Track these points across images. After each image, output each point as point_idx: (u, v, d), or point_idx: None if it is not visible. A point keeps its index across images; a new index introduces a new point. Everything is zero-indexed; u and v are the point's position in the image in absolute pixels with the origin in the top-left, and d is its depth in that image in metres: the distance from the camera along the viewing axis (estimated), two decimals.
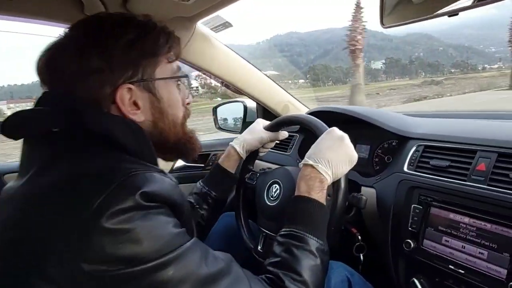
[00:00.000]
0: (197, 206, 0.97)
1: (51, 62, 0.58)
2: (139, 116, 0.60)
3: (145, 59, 0.60)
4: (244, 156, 1.02)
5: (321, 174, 0.72)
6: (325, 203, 0.71)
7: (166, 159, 0.72)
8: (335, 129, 0.79)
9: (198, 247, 0.53)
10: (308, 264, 0.62)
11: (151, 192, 0.49)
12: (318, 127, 0.84)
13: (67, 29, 0.60)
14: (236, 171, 1.04)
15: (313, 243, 0.65)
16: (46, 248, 0.46)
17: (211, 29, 1.12)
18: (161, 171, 0.57)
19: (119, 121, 0.57)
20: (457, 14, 0.63)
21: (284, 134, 1.06)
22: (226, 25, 1.08)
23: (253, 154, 1.06)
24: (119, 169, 0.51)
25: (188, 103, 0.72)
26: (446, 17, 0.70)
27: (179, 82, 0.68)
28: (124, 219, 0.45)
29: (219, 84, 1.38)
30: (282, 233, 0.68)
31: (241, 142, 1.02)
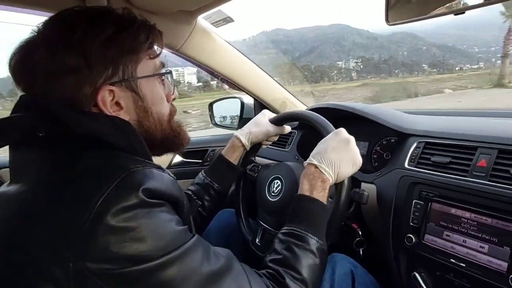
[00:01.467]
0: (195, 198, 0.96)
1: (24, 61, 0.55)
2: (123, 116, 0.59)
3: (125, 56, 0.57)
4: (248, 148, 1.02)
5: (324, 174, 0.73)
6: (326, 203, 0.72)
7: (153, 154, 0.71)
8: (342, 131, 0.80)
9: (200, 245, 0.53)
10: (307, 263, 0.64)
11: (153, 188, 0.49)
12: (325, 127, 0.84)
13: (40, 25, 0.56)
14: (239, 163, 1.04)
15: (314, 242, 0.66)
16: (48, 249, 0.45)
17: (212, 24, 1.11)
18: (159, 167, 0.56)
19: (104, 120, 0.55)
20: (463, 13, 0.64)
21: (287, 128, 1.06)
22: (227, 20, 1.08)
23: (256, 146, 1.06)
24: (117, 166, 0.50)
25: (174, 99, 0.71)
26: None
27: (163, 78, 0.67)
28: (129, 216, 0.45)
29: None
30: (284, 231, 0.69)
31: (247, 134, 1.01)
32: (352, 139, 0.78)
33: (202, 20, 1.12)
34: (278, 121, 1.01)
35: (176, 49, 1.09)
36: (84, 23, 0.54)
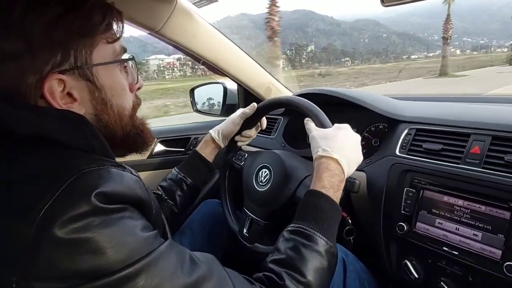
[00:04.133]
0: (166, 197, 0.94)
1: None
2: (77, 109, 0.52)
3: (77, 39, 0.50)
4: (221, 143, 1.01)
5: (343, 173, 0.69)
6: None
7: (115, 155, 0.64)
8: (349, 127, 0.76)
9: (173, 251, 0.47)
10: (314, 266, 0.57)
11: (109, 191, 0.43)
12: (321, 119, 0.79)
13: None
14: (215, 160, 1.03)
15: (323, 243, 0.60)
16: None
17: (194, 3, 1.04)
18: (119, 165, 0.49)
19: (52, 115, 0.48)
20: None
21: (264, 123, 1.04)
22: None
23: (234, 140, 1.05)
24: (66, 167, 0.43)
25: (138, 89, 0.64)
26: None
27: (125, 65, 0.60)
28: (80, 227, 0.39)
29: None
30: (290, 229, 0.63)
31: (217, 129, 1.02)
32: (359, 137, 0.76)
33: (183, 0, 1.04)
34: (267, 107, 0.97)
35: (156, 30, 1.01)
36: (24, 1, 0.46)
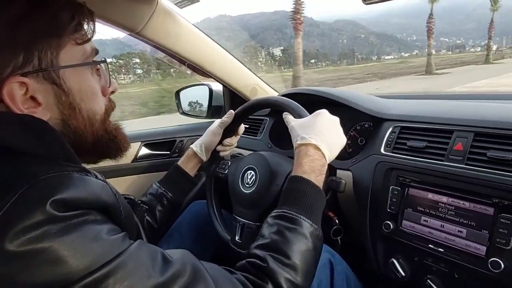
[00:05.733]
0: (142, 203, 0.91)
1: None
2: (41, 114, 0.49)
3: (42, 40, 0.47)
4: (204, 156, 0.99)
5: (324, 157, 0.68)
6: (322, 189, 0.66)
7: (86, 161, 0.61)
8: (326, 112, 0.75)
9: (144, 251, 0.45)
10: (299, 248, 0.56)
11: (69, 198, 0.40)
12: (297, 110, 0.80)
13: None
14: (196, 174, 1.01)
15: (307, 226, 0.59)
16: None
17: (176, 4, 1.02)
18: (83, 170, 0.47)
19: (7, 121, 0.45)
20: None
21: (241, 129, 1.03)
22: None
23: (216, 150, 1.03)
24: (20, 175, 0.41)
25: (112, 92, 0.61)
26: (374, 4, 0.69)
27: (98, 68, 0.57)
28: (35, 237, 0.36)
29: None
30: (273, 214, 0.62)
31: (198, 143, 1.00)
32: (337, 119, 0.75)
33: (165, 0, 1.03)
34: (244, 112, 0.96)
35: (136, 32, 1.00)
36: None
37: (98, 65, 0.57)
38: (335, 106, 1.04)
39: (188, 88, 1.60)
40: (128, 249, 0.43)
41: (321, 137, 0.69)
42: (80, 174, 0.46)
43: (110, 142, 0.61)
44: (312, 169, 0.66)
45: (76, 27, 0.51)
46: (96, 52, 0.56)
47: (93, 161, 0.62)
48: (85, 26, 0.53)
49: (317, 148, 0.68)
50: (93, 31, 0.55)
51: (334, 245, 0.91)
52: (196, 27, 1.16)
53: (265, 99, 0.92)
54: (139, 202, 0.89)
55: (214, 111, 1.50)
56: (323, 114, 0.74)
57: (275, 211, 0.63)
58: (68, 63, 0.51)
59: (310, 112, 0.79)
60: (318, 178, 0.66)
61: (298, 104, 0.82)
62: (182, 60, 1.22)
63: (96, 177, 0.49)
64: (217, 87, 1.48)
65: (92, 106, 0.55)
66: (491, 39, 41.22)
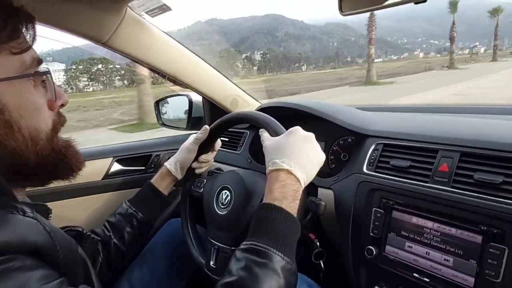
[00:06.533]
0: (111, 236, 0.84)
1: None
2: None
3: None
4: (178, 174, 0.93)
5: (298, 181, 0.62)
6: (296, 216, 0.60)
7: (32, 185, 0.55)
8: (299, 129, 0.69)
9: None
10: (269, 286, 0.51)
11: None
12: (273, 126, 0.75)
13: None
14: (172, 190, 0.96)
15: (278, 260, 0.53)
16: None
17: (147, 12, 0.96)
18: (9, 206, 0.41)
19: None
20: (425, 1, 0.56)
21: (218, 144, 0.97)
22: (164, 8, 0.94)
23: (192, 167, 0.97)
24: None
25: (62, 105, 0.55)
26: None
27: (44, 79, 0.51)
28: None
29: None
30: (242, 247, 0.56)
31: (172, 161, 0.94)
32: (312, 135, 0.69)
33: (134, 8, 0.97)
34: (219, 127, 0.90)
35: (103, 42, 0.93)
36: None
37: (43, 77, 0.51)
38: (318, 120, 0.99)
39: (167, 99, 1.54)
40: None
41: (294, 160, 0.63)
42: (7, 212, 0.40)
43: (59, 162, 0.54)
44: (284, 195, 0.60)
45: (10, 34, 0.45)
46: (38, 62, 0.50)
47: (40, 184, 0.56)
48: (24, 34, 0.47)
49: (289, 172, 0.62)
50: (34, 39, 0.49)
51: (316, 269, 0.86)
52: (171, 36, 1.10)
53: (240, 114, 0.87)
54: (89, 233, 0.81)
55: (194, 122, 1.44)
56: (295, 132, 0.68)
57: (244, 243, 0.57)
58: (1, 76, 0.45)
59: (290, 127, 0.74)
60: (291, 205, 0.60)
61: (274, 120, 0.76)
62: (159, 72, 1.16)
63: (24, 213, 0.42)
64: (197, 97, 1.42)
65: (35, 123, 0.49)
66: (453, 43, 39.10)
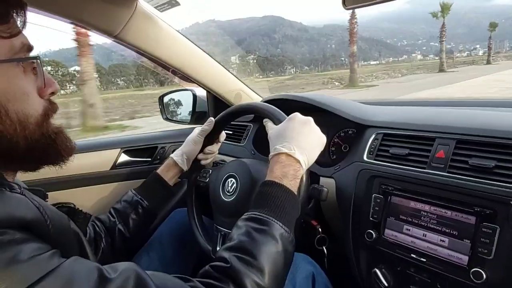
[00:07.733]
0: (116, 222, 0.87)
1: None
2: None
3: None
4: (185, 166, 0.96)
5: (298, 162, 0.66)
6: (296, 194, 0.64)
7: (22, 169, 0.56)
8: (298, 114, 0.73)
9: (77, 270, 0.41)
10: (268, 250, 0.53)
11: None
12: (276, 114, 0.79)
13: None
14: (178, 182, 0.99)
15: (277, 227, 0.56)
16: None
17: (156, 7, 1.00)
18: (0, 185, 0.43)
19: None
20: None
21: (222, 136, 1.01)
22: (173, 3, 0.97)
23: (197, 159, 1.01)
24: None
25: (53, 93, 0.55)
26: (366, 9, 0.68)
27: (34, 65, 0.52)
28: None
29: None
30: (243, 217, 0.60)
31: (178, 152, 0.97)
32: (310, 119, 0.73)
33: (144, 3, 1.00)
34: (224, 119, 0.94)
35: (114, 35, 0.97)
36: None
37: (35, 64, 0.52)
38: (320, 112, 1.02)
39: (172, 94, 1.58)
40: (57, 269, 0.38)
41: (293, 143, 0.67)
42: None
43: (48, 147, 0.55)
44: (284, 174, 0.64)
45: (0, 18, 0.46)
46: (29, 48, 0.51)
47: (31, 168, 0.57)
48: (14, 18, 0.48)
49: (289, 155, 0.66)
50: (24, 24, 0.50)
51: (320, 255, 0.89)
52: (179, 32, 1.14)
53: (244, 105, 0.90)
54: (81, 209, 0.83)
55: (198, 117, 1.47)
56: (293, 118, 0.72)
57: (245, 214, 0.60)
58: None
59: None
60: (291, 183, 0.63)
61: (276, 109, 0.80)
62: (165, 66, 1.19)
63: (12, 189, 0.43)
64: (201, 92, 1.45)
65: (23, 108, 0.49)
66: (442, 44, 39.76)
